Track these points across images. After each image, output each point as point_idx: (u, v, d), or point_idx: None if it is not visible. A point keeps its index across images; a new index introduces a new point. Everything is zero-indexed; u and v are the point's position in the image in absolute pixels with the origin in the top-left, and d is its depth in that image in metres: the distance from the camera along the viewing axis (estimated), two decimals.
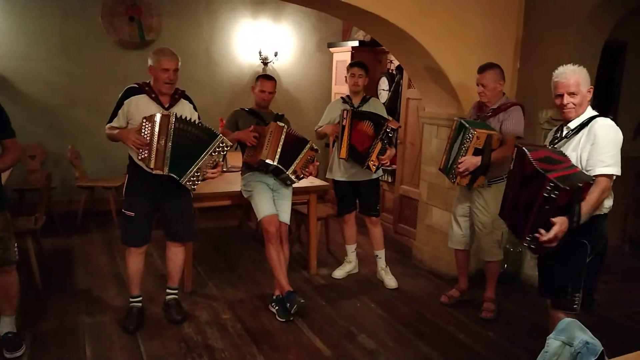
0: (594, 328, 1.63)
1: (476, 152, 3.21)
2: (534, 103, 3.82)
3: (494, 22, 3.99)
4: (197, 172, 3.01)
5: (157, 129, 2.95)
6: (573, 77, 2.48)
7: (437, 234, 4.29)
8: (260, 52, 6.32)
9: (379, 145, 3.66)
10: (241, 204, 4.21)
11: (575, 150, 2.46)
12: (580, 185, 2.24)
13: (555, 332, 1.55)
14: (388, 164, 3.83)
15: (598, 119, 2.46)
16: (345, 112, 3.81)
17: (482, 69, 3.36)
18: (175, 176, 3.00)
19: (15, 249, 2.87)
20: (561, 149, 2.51)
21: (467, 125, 3.24)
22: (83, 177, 5.32)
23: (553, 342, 1.54)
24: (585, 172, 2.37)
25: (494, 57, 3.64)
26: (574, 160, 2.42)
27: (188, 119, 3.03)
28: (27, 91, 5.42)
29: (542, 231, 2.28)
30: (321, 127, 4.04)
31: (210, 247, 4.88)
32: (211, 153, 3.02)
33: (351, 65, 3.96)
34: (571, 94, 2.48)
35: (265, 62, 6.36)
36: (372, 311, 3.65)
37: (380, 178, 4.13)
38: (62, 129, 5.55)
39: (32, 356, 2.92)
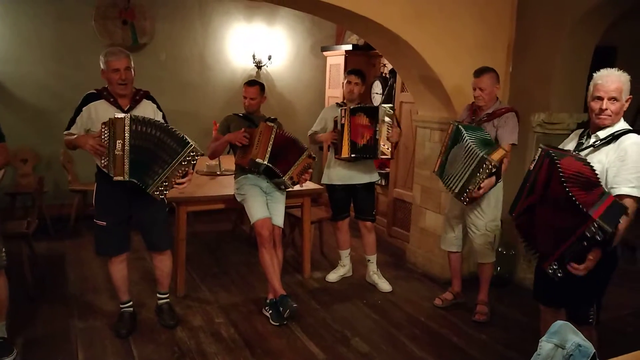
0: None
1: (489, 176, 3.18)
2: (526, 106, 3.84)
3: (487, 26, 4.01)
4: (165, 182, 2.86)
5: (113, 132, 2.82)
6: (617, 82, 2.31)
7: (431, 237, 4.30)
8: (254, 56, 6.33)
9: (384, 129, 3.67)
10: (234, 208, 4.20)
11: (600, 163, 2.30)
12: (620, 222, 2.14)
13: (548, 335, 1.56)
14: (398, 140, 3.79)
15: (631, 134, 2.30)
16: (343, 110, 3.79)
17: (480, 73, 3.37)
18: (136, 181, 2.87)
19: (4, 253, 2.83)
20: (586, 158, 2.33)
21: (474, 148, 3.14)
22: (75, 180, 5.29)
23: (545, 345, 1.54)
24: (607, 188, 2.24)
25: (487, 61, 3.66)
26: (598, 172, 2.25)
27: (148, 119, 2.88)
28: (19, 94, 5.39)
29: (574, 265, 2.21)
30: (315, 132, 4.04)
31: (203, 250, 4.86)
32: (181, 162, 2.85)
33: (349, 73, 3.94)
34: (612, 99, 2.31)
35: (259, 65, 6.36)
36: (365, 315, 3.65)
37: (376, 183, 4.12)
38: (55, 132, 5.48)
39: None
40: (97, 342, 3.14)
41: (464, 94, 3.74)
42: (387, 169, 5.24)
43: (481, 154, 3.10)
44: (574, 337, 1.51)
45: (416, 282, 4.26)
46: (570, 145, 2.52)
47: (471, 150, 3.16)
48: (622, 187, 2.23)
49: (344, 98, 4.02)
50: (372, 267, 4.15)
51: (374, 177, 4.04)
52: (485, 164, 3.10)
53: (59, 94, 5.50)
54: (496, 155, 3.13)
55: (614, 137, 2.31)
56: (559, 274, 2.25)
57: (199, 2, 6.03)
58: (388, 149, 3.71)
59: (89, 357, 2.98)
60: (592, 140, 2.39)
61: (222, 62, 6.27)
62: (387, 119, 3.69)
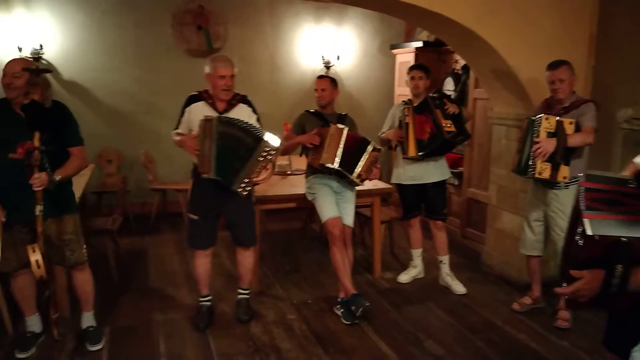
0: None
1: (549, 137, 3.15)
2: (612, 102, 3.61)
3: (566, 18, 3.80)
4: (246, 179, 3.02)
5: (203, 133, 3.02)
6: None
7: (508, 238, 4.14)
8: (322, 57, 6.37)
9: (439, 112, 3.65)
10: (305, 207, 4.24)
11: None
12: (625, 240, 1.57)
13: None
14: (459, 111, 3.71)
15: None
16: (407, 109, 3.79)
17: (557, 65, 3.26)
18: (220, 179, 3.03)
19: (84, 250, 3.02)
20: None
21: (535, 117, 3.23)
22: (156, 180, 5.56)
23: (638, 355, 1.45)
24: None
25: (565, 54, 3.49)
26: None
27: (233, 120, 3.05)
28: (104, 99, 5.73)
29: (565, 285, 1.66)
30: (384, 132, 4.02)
31: (275, 248, 4.95)
32: (258, 158, 3.00)
33: (411, 69, 3.93)
34: None
35: (327, 66, 6.40)
36: (439, 317, 3.57)
37: (447, 180, 4.03)
38: (137, 134, 5.83)
39: (110, 350, 3.08)
40: (177, 335, 3.28)
41: (542, 89, 3.57)
42: (460, 167, 5.10)
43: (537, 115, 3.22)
44: None
45: (492, 286, 4.11)
46: None
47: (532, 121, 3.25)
48: None
49: None
50: (445, 269, 4.05)
51: (445, 175, 3.95)
52: (537, 120, 3.18)
53: (139, 98, 5.81)
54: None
55: None
56: (567, 297, 1.73)
57: (270, 6, 6.15)
58: (451, 125, 3.65)
59: (169, 348, 3.12)
60: None
61: (291, 64, 6.37)
62: (437, 102, 3.69)
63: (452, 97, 5.20)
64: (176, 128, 3.26)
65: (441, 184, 3.96)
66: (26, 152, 2.53)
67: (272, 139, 3.04)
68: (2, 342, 3.12)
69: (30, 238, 2.79)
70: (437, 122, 3.66)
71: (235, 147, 3.02)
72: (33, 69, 2.63)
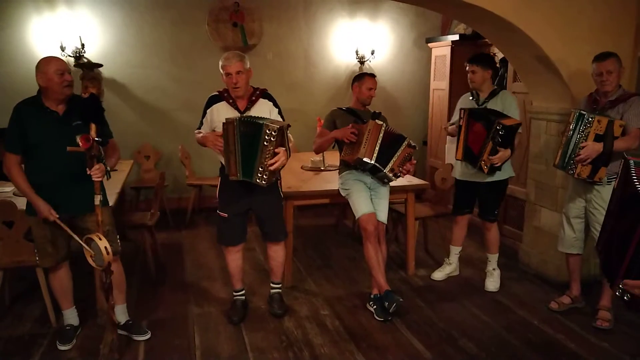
0: None
1: (597, 139, 3.06)
2: None
3: (609, 8, 3.66)
4: (260, 168, 2.94)
5: (226, 134, 2.96)
6: None
7: (546, 236, 4.03)
8: (357, 52, 6.33)
9: (490, 145, 3.50)
10: (338, 203, 4.24)
11: None
12: None
13: None
14: (499, 164, 3.57)
15: None
16: (462, 111, 3.68)
17: (605, 56, 3.15)
18: (248, 179, 3.00)
19: (119, 241, 3.09)
20: None
21: (585, 113, 3.12)
22: (192, 175, 5.66)
23: None
24: None
25: (609, 45, 3.36)
26: None
27: (251, 119, 2.98)
28: (142, 96, 5.86)
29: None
30: (452, 124, 3.91)
31: (308, 244, 4.97)
32: (264, 143, 2.91)
33: (466, 61, 3.78)
34: None
35: (361, 61, 6.36)
36: (474, 315, 3.51)
37: (507, 179, 3.84)
38: (174, 130, 5.94)
39: (147, 342, 3.15)
40: (212, 328, 3.33)
41: (584, 82, 3.46)
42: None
43: (588, 114, 3.10)
44: None
45: (529, 284, 4.02)
46: None
47: (582, 117, 3.14)
48: None
49: None
50: (489, 266, 3.98)
51: (503, 175, 3.74)
52: (588, 120, 3.07)
53: (176, 94, 5.91)
54: (603, 116, 3.08)
55: None
56: (625, 298, 1.61)
57: (304, 1, 6.15)
58: (485, 165, 3.55)
59: (204, 342, 3.17)
60: None
61: (325, 59, 6.35)
62: (500, 135, 3.46)
63: None
64: (198, 128, 3.27)
65: (494, 185, 3.76)
66: (88, 144, 2.59)
67: (272, 122, 2.96)
68: (46, 333, 3.24)
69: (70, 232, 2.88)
70: (482, 151, 3.54)
71: (252, 143, 2.96)
72: (86, 64, 2.70)
